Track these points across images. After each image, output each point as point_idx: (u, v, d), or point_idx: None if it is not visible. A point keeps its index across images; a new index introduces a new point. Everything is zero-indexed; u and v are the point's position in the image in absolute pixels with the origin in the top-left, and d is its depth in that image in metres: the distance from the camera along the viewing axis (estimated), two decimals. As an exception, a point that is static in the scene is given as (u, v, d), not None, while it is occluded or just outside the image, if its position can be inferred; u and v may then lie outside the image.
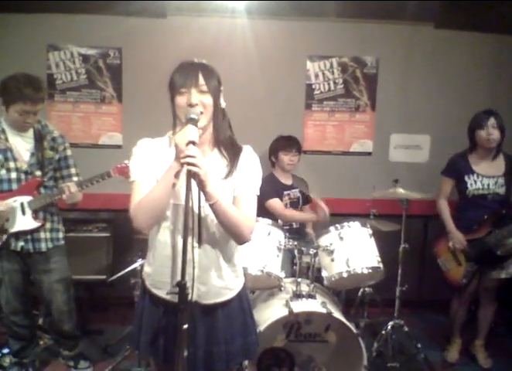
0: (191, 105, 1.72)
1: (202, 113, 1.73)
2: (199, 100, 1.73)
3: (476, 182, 3.28)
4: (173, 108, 1.80)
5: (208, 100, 1.75)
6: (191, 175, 1.59)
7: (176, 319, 1.62)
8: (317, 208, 3.39)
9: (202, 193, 1.67)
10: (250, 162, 1.88)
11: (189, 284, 1.63)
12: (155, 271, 1.89)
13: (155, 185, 1.71)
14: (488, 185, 3.26)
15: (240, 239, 1.84)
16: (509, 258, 3.28)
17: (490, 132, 3.18)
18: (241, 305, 1.97)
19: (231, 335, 1.91)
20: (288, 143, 3.64)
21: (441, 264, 3.41)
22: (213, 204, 1.69)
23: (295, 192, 3.65)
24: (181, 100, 1.75)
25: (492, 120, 3.19)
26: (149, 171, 1.79)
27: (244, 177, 1.84)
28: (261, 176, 1.91)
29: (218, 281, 1.87)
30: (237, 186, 1.83)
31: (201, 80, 1.74)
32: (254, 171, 1.88)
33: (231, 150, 1.87)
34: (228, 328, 1.91)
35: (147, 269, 1.94)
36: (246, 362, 2.68)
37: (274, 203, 3.45)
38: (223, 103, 1.85)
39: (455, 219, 3.34)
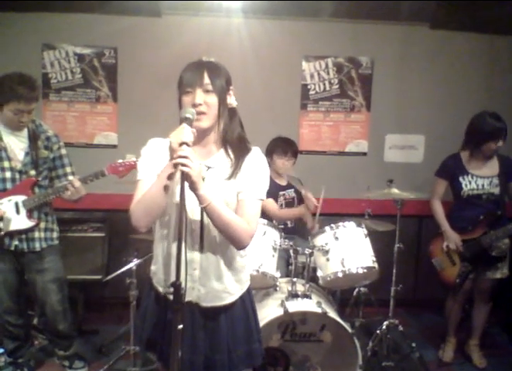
0: (195, 105, 1.71)
1: (204, 113, 1.72)
2: (203, 100, 1.72)
3: (470, 182, 3.28)
4: (180, 108, 1.78)
5: (212, 99, 1.74)
6: (184, 176, 1.58)
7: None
8: (306, 200, 3.45)
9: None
10: (257, 165, 1.84)
11: (189, 285, 1.62)
12: (159, 269, 1.89)
13: (152, 184, 1.70)
14: (483, 185, 3.27)
15: (237, 244, 1.80)
16: (504, 259, 3.31)
17: (500, 144, 3.19)
18: (245, 311, 1.93)
19: (234, 342, 1.88)
20: (283, 147, 3.55)
21: (435, 264, 3.41)
22: (206, 207, 1.67)
23: (290, 192, 3.64)
24: (186, 99, 1.74)
25: (504, 133, 3.18)
26: (154, 171, 1.76)
27: (248, 180, 1.80)
28: (267, 180, 1.86)
29: (217, 284, 1.85)
30: (241, 189, 1.79)
31: (206, 79, 1.73)
32: (259, 174, 1.83)
33: (238, 151, 1.84)
34: (231, 335, 1.88)
35: (152, 267, 1.95)
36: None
37: (268, 204, 3.40)
38: (234, 103, 1.85)
39: (450, 220, 3.35)
